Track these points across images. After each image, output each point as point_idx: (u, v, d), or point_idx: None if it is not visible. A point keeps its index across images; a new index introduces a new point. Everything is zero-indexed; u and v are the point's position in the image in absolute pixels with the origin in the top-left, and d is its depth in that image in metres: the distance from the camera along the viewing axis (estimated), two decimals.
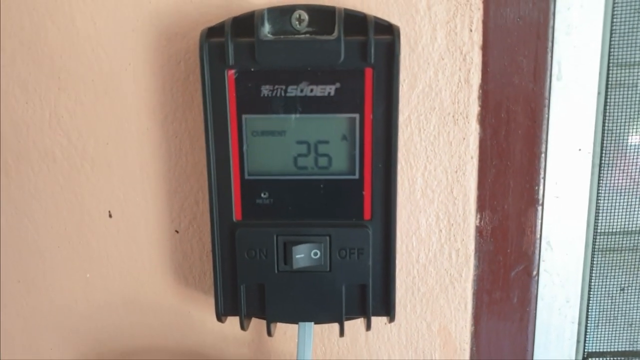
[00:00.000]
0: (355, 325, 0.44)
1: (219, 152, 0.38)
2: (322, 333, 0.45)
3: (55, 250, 0.44)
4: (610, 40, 0.40)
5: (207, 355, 0.46)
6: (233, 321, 0.42)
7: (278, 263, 0.39)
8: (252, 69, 0.36)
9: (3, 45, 0.40)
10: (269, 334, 0.41)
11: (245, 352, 0.46)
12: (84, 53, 0.40)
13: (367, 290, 0.39)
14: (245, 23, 0.36)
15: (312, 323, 0.41)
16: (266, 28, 0.37)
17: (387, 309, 0.40)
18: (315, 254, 0.39)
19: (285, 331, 0.45)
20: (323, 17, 0.37)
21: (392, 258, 0.39)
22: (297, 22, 0.37)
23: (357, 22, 0.36)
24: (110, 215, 0.43)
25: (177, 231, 0.43)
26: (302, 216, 0.39)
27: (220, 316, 0.40)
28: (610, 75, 0.41)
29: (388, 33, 0.36)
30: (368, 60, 0.36)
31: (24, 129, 0.42)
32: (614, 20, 0.40)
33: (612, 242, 0.45)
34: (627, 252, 0.45)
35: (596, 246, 0.44)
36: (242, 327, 0.41)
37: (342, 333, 0.40)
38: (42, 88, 0.41)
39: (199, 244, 0.43)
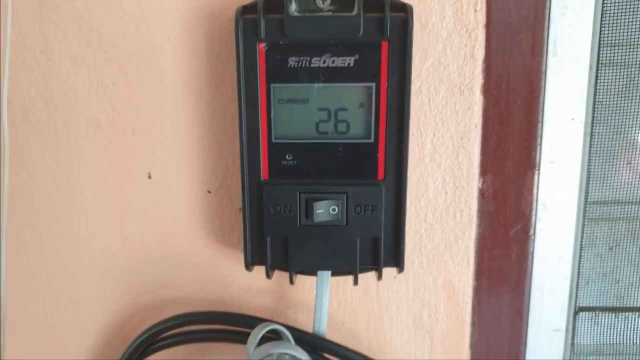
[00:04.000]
0: (367, 279, 0.49)
1: (249, 118, 0.43)
2: (337, 286, 0.50)
3: (98, 208, 0.49)
4: (602, 21, 0.44)
5: (234, 305, 0.50)
6: (257, 274, 0.47)
7: (300, 217, 0.44)
8: (281, 42, 0.41)
9: (56, 21, 0.45)
10: (291, 282, 0.45)
11: (268, 302, 0.50)
12: (128, 29, 0.45)
13: (379, 243, 0.44)
14: (275, 1, 0.41)
15: (330, 272, 0.45)
16: (293, 6, 0.41)
17: (397, 260, 0.44)
18: (334, 209, 0.43)
19: (304, 283, 0.50)
20: None
21: (403, 214, 0.43)
22: (321, 1, 0.42)
23: (374, 0, 0.41)
24: (149, 177, 0.48)
25: (209, 191, 0.48)
26: (322, 176, 0.44)
27: (249, 265, 0.45)
28: (601, 53, 0.45)
29: (402, 11, 0.40)
30: (384, 34, 0.40)
31: (73, 97, 0.47)
32: (605, 2, 0.44)
33: (603, 208, 0.49)
34: (616, 219, 0.49)
35: (587, 209, 0.48)
36: (268, 276, 0.45)
37: (356, 282, 0.45)
38: (90, 60, 0.46)
39: (228, 204, 0.48)
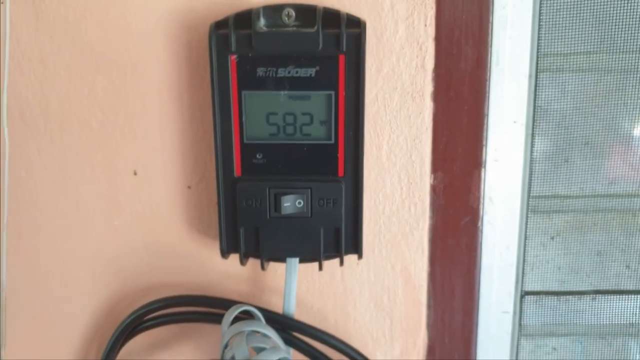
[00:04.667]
0: (332, 265, 0.54)
1: (223, 121, 0.48)
2: (306, 272, 0.55)
3: (89, 202, 0.54)
4: (539, 33, 0.49)
5: (213, 289, 0.55)
6: (233, 261, 0.52)
7: (270, 210, 0.49)
8: (250, 54, 0.46)
9: (51, 33, 0.50)
10: (263, 268, 0.51)
11: (244, 287, 0.55)
12: (116, 41, 0.50)
13: (340, 232, 0.49)
14: (244, 18, 0.46)
15: (297, 259, 0.51)
16: (261, 22, 0.46)
17: (357, 247, 0.50)
18: (299, 202, 0.49)
19: (277, 270, 0.55)
20: (307, 14, 0.46)
21: (360, 207, 0.49)
22: (286, 18, 0.47)
23: (333, 17, 0.46)
24: (135, 174, 0.53)
25: (189, 187, 0.53)
26: (289, 173, 0.49)
27: (224, 253, 0.50)
28: (540, 62, 0.50)
29: (357, 27, 0.45)
30: (340, 48, 0.45)
31: (66, 103, 0.52)
32: (542, 17, 0.49)
33: (544, 200, 0.54)
34: (556, 209, 0.54)
35: (530, 203, 0.53)
36: (242, 263, 0.51)
37: (320, 267, 0.50)
38: (82, 70, 0.51)
39: (207, 198, 0.53)
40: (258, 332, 0.48)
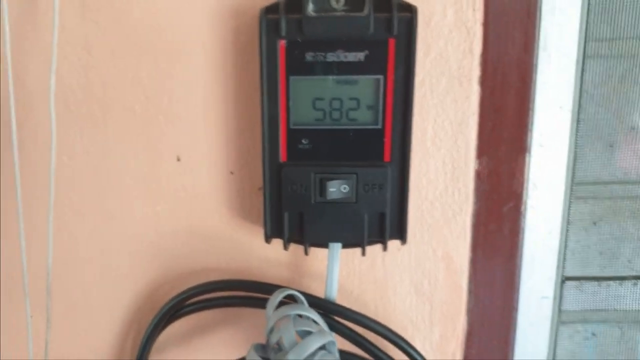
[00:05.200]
0: (373, 250, 0.54)
1: (270, 107, 0.48)
2: (347, 257, 0.55)
3: (131, 188, 0.54)
4: (587, 18, 0.49)
5: (253, 274, 0.56)
6: (274, 246, 0.52)
7: (315, 195, 0.49)
8: (299, 39, 0.46)
9: (96, 19, 0.50)
10: (306, 253, 0.51)
11: (284, 272, 0.56)
12: (162, 26, 0.50)
13: (385, 218, 0.49)
14: (294, 2, 0.46)
15: (340, 244, 0.51)
16: (310, 6, 0.46)
17: (401, 233, 0.50)
18: (345, 188, 0.49)
19: (317, 255, 0.55)
20: None
21: (406, 192, 0.49)
22: (335, 2, 0.47)
23: (383, 1, 0.45)
24: (178, 159, 0.53)
25: (232, 172, 0.53)
26: (335, 158, 0.49)
27: (268, 238, 0.51)
28: (587, 48, 0.50)
29: (408, 11, 0.45)
30: (392, 32, 0.45)
31: (110, 88, 0.52)
32: (590, 2, 0.49)
33: (587, 188, 0.54)
34: (599, 195, 0.54)
35: (574, 188, 0.53)
36: (285, 248, 0.51)
37: (363, 253, 0.50)
38: (127, 54, 0.51)
39: (249, 183, 0.53)
40: (301, 314, 0.49)
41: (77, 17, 0.50)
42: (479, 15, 0.48)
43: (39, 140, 0.53)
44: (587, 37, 0.49)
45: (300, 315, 0.48)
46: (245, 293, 0.54)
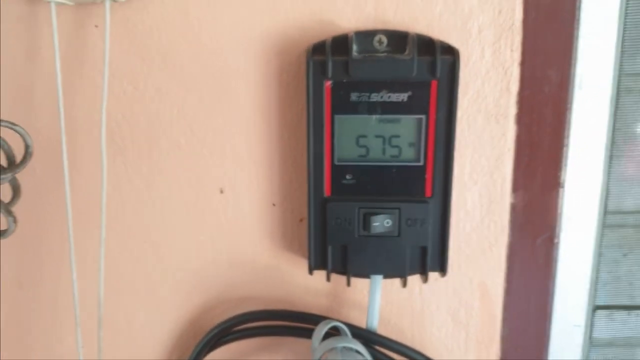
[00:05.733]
0: (411, 280, 0.56)
1: (315, 143, 0.49)
2: (385, 286, 0.56)
3: (175, 218, 0.56)
4: (621, 58, 0.51)
5: (294, 303, 0.57)
6: (315, 276, 0.54)
7: (358, 229, 0.50)
8: (345, 80, 0.48)
9: (143, 56, 0.52)
10: (349, 284, 0.52)
11: (324, 301, 0.57)
12: (207, 63, 0.52)
13: (426, 251, 0.51)
14: (340, 43, 0.48)
15: (382, 276, 0.52)
16: (355, 47, 0.48)
17: (442, 266, 0.51)
18: (388, 222, 0.50)
19: (356, 285, 0.56)
20: (398, 40, 0.48)
21: (447, 227, 0.50)
22: (377, 44, 0.48)
23: (425, 44, 0.47)
24: (221, 191, 0.55)
25: (274, 204, 0.55)
26: (378, 193, 0.50)
27: (312, 270, 0.52)
28: (621, 84, 0.51)
29: (450, 54, 0.47)
30: (435, 74, 0.47)
31: (156, 122, 0.53)
32: (625, 42, 0.50)
33: (618, 219, 0.56)
34: (629, 227, 0.56)
35: (605, 222, 0.55)
36: (328, 279, 0.52)
37: (404, 284, 0.52)
38: (173, 90, 0.53)
39: (291, 215, 0.55)
40: (348, 347, 0.50)
41: (123, 52, 0.52)
42: (517, 56, 0.50)
43: (87, 172, 0.55)
44: (621, 74, 0.51)
45: (347, 347, 0.50)
46: (288, 323, 0.55)
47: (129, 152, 0.55)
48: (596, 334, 0.58)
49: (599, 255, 0.56)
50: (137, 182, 0.55)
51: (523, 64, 0.50)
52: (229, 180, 0.55)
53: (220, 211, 0.55)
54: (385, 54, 0.48)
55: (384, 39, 0.48)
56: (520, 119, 0.51)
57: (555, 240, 0.54)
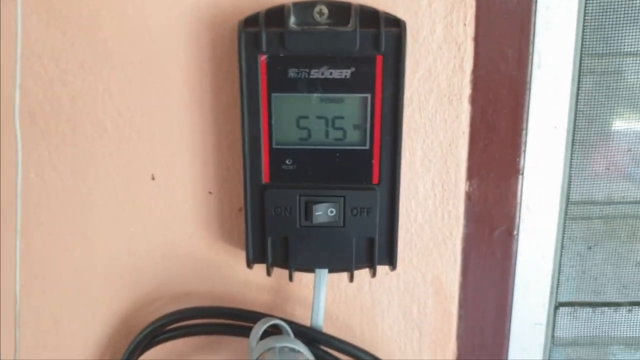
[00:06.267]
0: (360, 275, 0.52)
1: (251, 125, 0.45)
2: (332, 281, 0.52)
3: (104, 207, 0.51)
4: (583, 35, 0.47)
5: (234, 299, 0.53)
6: (256, 270, 0.50)
7: (300, 219, 0.46)
8: (281, 55, 0.43)
9: (64, 30, 0.47)
10: (291, 279, 0.48)
11: (266, 297, 0.53)
12: (133, 38, 0.47)
13: (374, 243, 0.47)
14: (275, 15, 0.43)
15: (327, 270, 0.48)
16: (292, 19, 0.43)
17: (391, 259, 0.47)
18: (332, 211, 0.46)
19: (301, 279, 0.52)
20: (340, 11, 0.44)
21: (396, 216, 0.46)
22: (318, 15, 0.44)
23: (369, 16, 0.43)
24: (153, 178, 0.50)
25: (210, 192, 0.50)
26: (321, 180, 0.46)
27: (250, 263, 0.48)
28: (583, 64, 0.48)
29: (396, 26, 0.43)
30: (379, 48, 0.43)
31: (80, 103, 0.49)
32: (586, 17, 0.46)
33: (582, 210, 0.52)
34: (594, 219, 0.52)
35: (568, 214, 0.51)
36: (268, 274, 0.48)
37: (351, 279, 0.48)
38: (97, 68, 0.48)
39: (229, 204, 0.51)
40: (287, 347, 0.46)
41: (42, 26, 0.47)
42: (470, 30, 0.46)
43: (4, 156, 0.50)
44: (583, 53, 0.47)
45: (287, 347, 0.46)
46: (226, 320, 0.51)
47: (52, 135, 0.50)
48: (559, 333, 0.55)
49: (562, 248, 0.52)
50: (62, 169, 0.51)
51: (477, 39, 0.46)
52: (160, 166, 0.50)
53: (152, 199, 0.51)
54: (326, 26, 0.44)
55: (325, 10, 0.44)
56: (475, 99, 0.47)
57: (514, 232, 0.50)
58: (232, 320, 0.51)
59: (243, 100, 0.44)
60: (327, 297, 0.53)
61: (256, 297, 0.53)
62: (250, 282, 0.53)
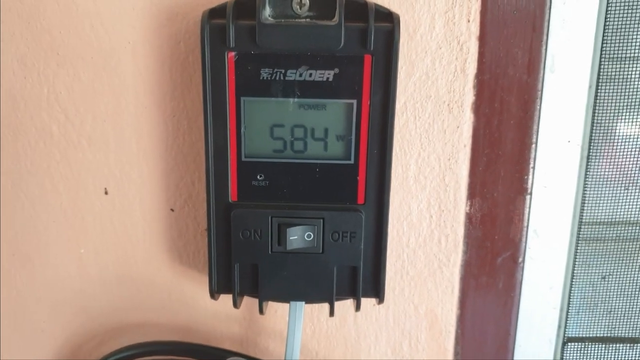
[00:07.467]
0: (344, 306, 0.46)
1: (217, 133, 0.38)
2: (312, 312, 0.46)
3: (50, 225, 0.45)
4: (603, 35, 0.41)
5: (199, 331, 0.47)
6: (225, 299, 0.43)
7: (272, 244, 0.40)
8: (253, 52, 0.37)
9: (2, 19, 0.40)
10: (261, 312, 0.42)
11: (236, 329, 0.47)
12: (83, 29, 0.40)
13: (358, 272, 0.40)
14: (246, 5, 0.37)
15: (303, 303, 0.42)
16: (267, 11, 0.37)
17: (377, 290, 0.41)
18: (309, 236, 0.40)
19: (276, 310, 0.46)
20: (324, 2, 0.37)
21: (384, 242, 0.40)
22: (297, 6, 0.37)
23: (357, 8, 0.37)
24: (106, 192, 0.44)
25: (172, 210, 0.44)
26: (297, 199, 0.40)
27: (214, 294, 0.41)
28: (602, 69, 0.41)
29: (388, 21, 0.36)
30: (367, 47, 0.36)
31: (21, 104, 0.42)
32: (608, 16, 0.40)
33: (596, 232, 0.46)
34: (610, 242, 0.47)
35: (581, 236, 0.45)
36: (235, 305, 0.41)
37: (332, 313, 0.41)
38: (41, 63, 0.41)
39: (193, 223, 0.44)
40: None
41: None
42: (475, 28, 0.40)
43: None
44: (603, 57, 0.41)
45: None
46: (189, 358, 0.45)
47: None
48: None
49: (572, 277, 0.46)
50: (3, 181, 0.44)
51: (482, 38, 0.40)
52: (114, 179, 0.43)
53: (104, 217, 0.44)
54: (307, 19, 0.37)
55: (306, 1, 0.37)
56: (479, 108, 0.41)
57: (520, 260, 0.44)
58: (195, 358, 0.44)
59: (207, 104, 0.38)
60: (305, 331, 0.46)
61: (225, 329, 0.47)
62: (217, 312, 0.46)
